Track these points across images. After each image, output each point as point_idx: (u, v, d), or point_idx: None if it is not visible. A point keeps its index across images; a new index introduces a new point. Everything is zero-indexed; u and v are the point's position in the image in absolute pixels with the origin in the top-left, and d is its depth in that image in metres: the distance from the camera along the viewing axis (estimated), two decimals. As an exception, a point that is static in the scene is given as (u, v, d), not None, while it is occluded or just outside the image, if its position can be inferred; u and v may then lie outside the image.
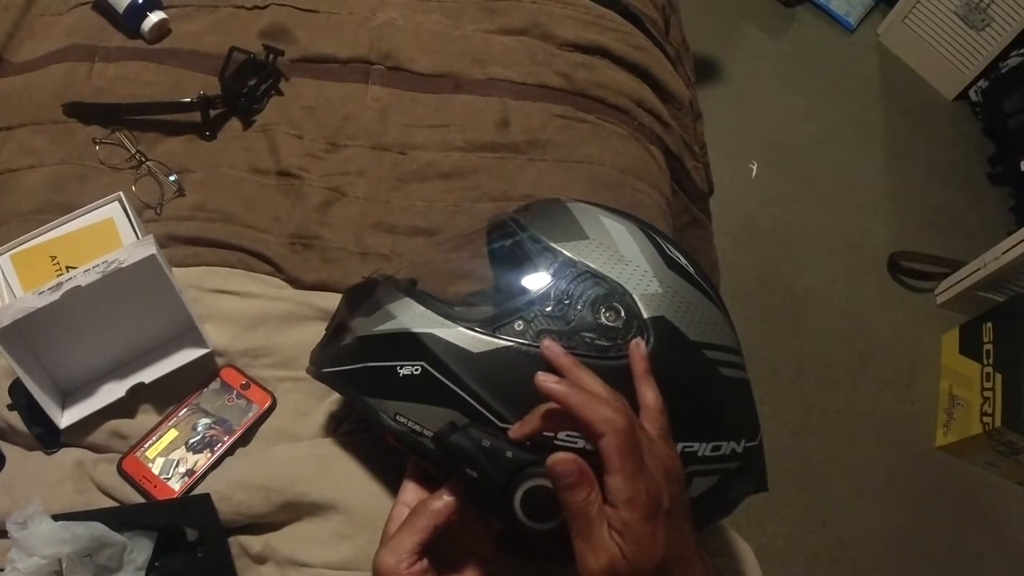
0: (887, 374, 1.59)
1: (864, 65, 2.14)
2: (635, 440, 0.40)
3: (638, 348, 0.46)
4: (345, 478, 0.57)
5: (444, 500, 0.45)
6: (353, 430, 0.61)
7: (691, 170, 0.98)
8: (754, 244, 1.73)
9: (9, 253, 0.65)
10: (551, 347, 0.45)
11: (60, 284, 0.57)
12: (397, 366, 0.48)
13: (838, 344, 1.62)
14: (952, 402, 1.51)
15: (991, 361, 1.46)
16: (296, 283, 0.70)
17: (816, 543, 1.37)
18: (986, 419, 1.39)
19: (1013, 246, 1.49)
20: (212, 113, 0.77)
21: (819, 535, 1.38)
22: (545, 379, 0.41)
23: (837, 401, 1.55)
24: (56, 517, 0.52)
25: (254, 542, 0.55)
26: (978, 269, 1.57)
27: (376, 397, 0.49)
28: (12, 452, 0.60)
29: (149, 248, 0.58)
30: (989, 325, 1.50)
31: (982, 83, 1.96)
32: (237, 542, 0.56)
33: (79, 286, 0.56)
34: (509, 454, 0.43)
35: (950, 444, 1.47)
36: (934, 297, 1.70)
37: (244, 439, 0.61)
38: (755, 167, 1.87)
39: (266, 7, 0.86)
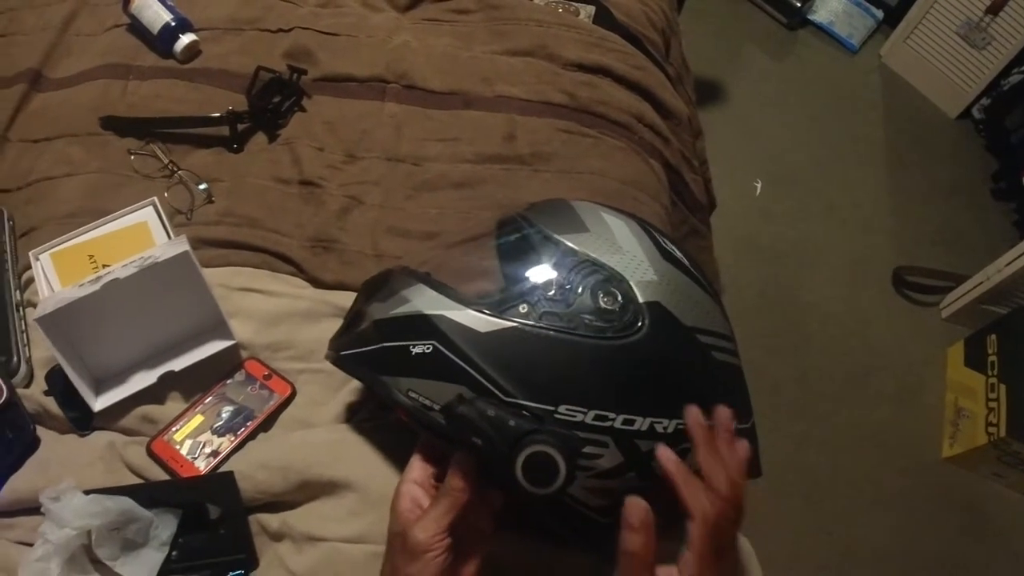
0: (892, 387, 1.61)
1: (867, 86, 2.18)
2: (716, 533, 0.44)
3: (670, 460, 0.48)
4: (359, 460, 0.60)
5: (462, 484, 0.48)
6: (367, 418, 0.65)
7: (690, 182, 1.03)
8: (758, 260, 1.76)
9: (50, 252, 0.70)
10: (696, 415, 0.49)
11: (100, 277, 0.62)
12: (410, 345, 0.52)
13: (842, 358, 1.64)
14: (958, 414, 1.53)
15: (995, 372, 1.47)
16: (316, 283, 0.75)
17: (821, 554, 1.38)
18: (991, 429, 1.40)
19: (1016, 258, 1.51)
20: (239, 127, 0.83)
21: (824, 546, 1.39)
22: (667, 456, 0.47)
23: (841, 414, 1.56)
24: (88, 492, 0.56)
25: (272, 519, 0.59)
26: (982, 282, 1.59)
27: (390, 375, 0.53)
28: (46, 435, 0.64)
29: (183, 245, 0.63)
30: (993, 337, 1.52)
31: (984, 101, 1.99)
32: (256, 520, 0.59)
33: (117, 279, 0.60)
34: (512, 423, 0.47)
35: (956, 455, 1.48)
36: (939, 311, 1.72)
37: (265, 425, 0.65)
38: (759, 185, 1.91)
39: (290, 30, 0.92)
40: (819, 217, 1.87)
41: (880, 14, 2.25)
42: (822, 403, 1.57)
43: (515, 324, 0.50)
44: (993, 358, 1.49)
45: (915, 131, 2.07)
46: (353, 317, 0.59)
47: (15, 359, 0.68)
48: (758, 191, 1.90)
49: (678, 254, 0.56)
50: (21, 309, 0.72)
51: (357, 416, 0.66)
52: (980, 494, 1.47)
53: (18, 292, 0.73)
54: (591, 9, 1.02)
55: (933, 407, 1.58)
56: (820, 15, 2.25)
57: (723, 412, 0.49)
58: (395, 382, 0.52)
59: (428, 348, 0.51)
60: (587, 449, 0.48)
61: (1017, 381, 1.41)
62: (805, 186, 1.92)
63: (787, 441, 1.50)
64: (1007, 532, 1.43)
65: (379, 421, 0.64)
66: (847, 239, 1.84)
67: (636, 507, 0.44)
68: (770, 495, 1.43)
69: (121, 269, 0.62)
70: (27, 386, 0.68)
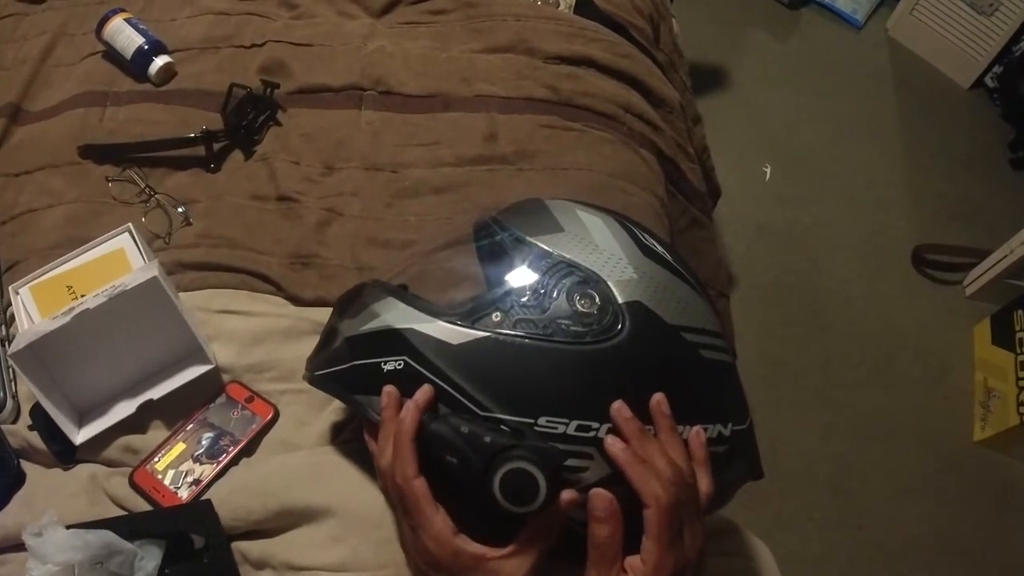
0: (918, 370, 1.55)
1: (875, 61, 2.12)
2: (674, 518, 0.44)
3: (698, 437, 0.49)
4: (339, 483, 0.58)
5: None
6: (351, 438, 0.63)
7: (686, 171, 0.99)
8: (771, 247, 1.71)
9: (29, 285, 0.70)
10: (621, 410, 0.46)
11: (72, 309, 0.61)
12: (382, 362, 0.50)
13: (864, 343, 1.58)
14: (988, 395, 1.46)
15: (1024, 349, 1.41)
16: (296, 300, 0.73)
17: (852, 546, 1.33)
18: (1022, 409, 1.34)
19: (1039, 229, 1.44)
20: (215, 146, 0.82)
21: (855, 538, 1.34)
22: (612, 443, 0.46)
23: (866, 401, 1.50)
24: (69, 527, 0.55)
25: (252, 547, 0.57)
26: (1005, 256, 1.53)
27: (364, 394, 0.51)
28: (32, 470, 0.64)
29: (151, 271, 0.62)
30: (1020, 312, 1.45)
31: (997, 69, 1.92)
32: (237, 549, 0.58)
33: (88, 309, 0.59)
34: (488, 439, 0.44)
35: (988, 438, 1.42)
36: (962, 289, 1.66)
37: (248, 450, 0.63)
38: (768, 170, 1.86)
39: (263, 44, 0.91)
40: (833, 199, 1.81)
41: (884, -14, 2.19)
42: (846, 390, 1.52)
43: (488, 334, 0.48)
44: (1021, 335, 1.43)
45: (927, 104, 2.00)
46: (327, 335, 0.57)
47: (1, 395, 0.68)
48: (768, 176, 1.85)
49: (660, 249, 0.53)
50: (6, 344, 0.72)
51: (341, 436, 0.64)
52: (1016, 477, 1.40)
53: (3, 327, 0.73)
54: None
55: (962, 389, 1.52)
56: (821, -8, 2.19)
57: (657, 399, 0.47)
58: (369, 401, 0.50)
59: (399, 364, 0.49)
60: (570, 462, 0.46)
61: (1049, 357, 1.34)
62: (816, 168, 1.87)
63: (812, 431, 1.45)
64: (1047, 516, 1.37)
65: (362, 442, 0.62)
66: (863, 219, 1.78)
67: (601, 498, 0.45)
68: (797, 488, 1.38)
69: (91, 299, 0.61)
70: (14, 422, 0.67)
